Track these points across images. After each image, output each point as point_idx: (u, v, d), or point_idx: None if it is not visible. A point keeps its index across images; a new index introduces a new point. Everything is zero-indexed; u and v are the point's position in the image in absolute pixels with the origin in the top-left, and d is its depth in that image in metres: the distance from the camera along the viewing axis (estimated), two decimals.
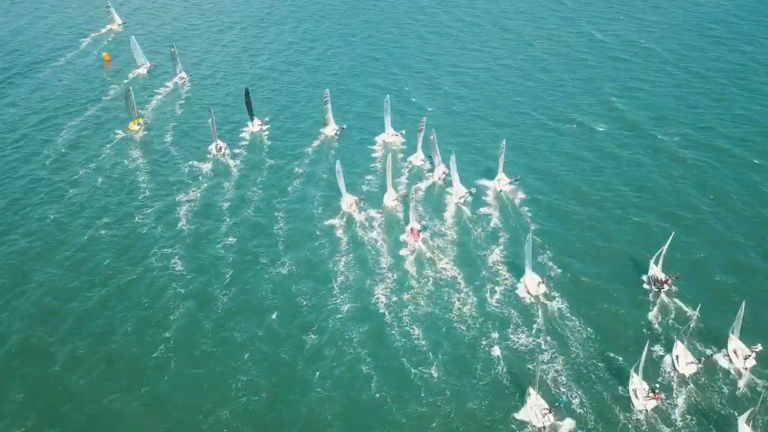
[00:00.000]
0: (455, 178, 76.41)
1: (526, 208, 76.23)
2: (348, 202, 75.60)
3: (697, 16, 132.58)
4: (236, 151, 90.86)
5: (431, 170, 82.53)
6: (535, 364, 51.72)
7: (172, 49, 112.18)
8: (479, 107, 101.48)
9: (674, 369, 55.05)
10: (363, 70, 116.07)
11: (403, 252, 69.34)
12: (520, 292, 62.35)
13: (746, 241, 69.51)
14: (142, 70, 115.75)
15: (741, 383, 53.93)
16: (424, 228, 70.95)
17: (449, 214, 75.92)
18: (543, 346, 57.16)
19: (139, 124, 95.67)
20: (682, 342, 55.76)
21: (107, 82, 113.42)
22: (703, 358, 55.27)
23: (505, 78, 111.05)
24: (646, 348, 52.10)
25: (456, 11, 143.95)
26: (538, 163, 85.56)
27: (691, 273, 64.42)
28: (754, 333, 56.66)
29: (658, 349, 57.17)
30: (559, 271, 65.30)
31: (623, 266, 66.37)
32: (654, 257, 62.53)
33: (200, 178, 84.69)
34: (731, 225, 72.17)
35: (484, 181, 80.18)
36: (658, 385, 51.59)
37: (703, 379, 54.46)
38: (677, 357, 55.40)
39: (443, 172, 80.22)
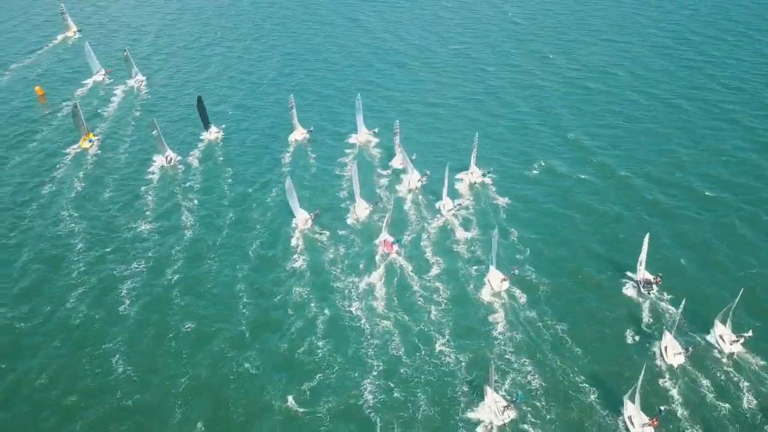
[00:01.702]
0: (445, 190, 73.54)
1: (501, 203, 75.71)
2: (302, 219, 72.09)
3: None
4: (190, 161, 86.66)
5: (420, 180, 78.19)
6: (491, 362, 50.65)
7: (125, 53, 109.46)
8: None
9: (662, 360, 54.50)
10: (325, 73, 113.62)
11: (377, 259, 67.41)
12: (484, 289, 62.34)
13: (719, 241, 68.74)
14: (99, 77, 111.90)
15: (728, 369, 53.55)
16: (398, 240, 68.45)
17: (432, 225, 72.88)
18: (502, 345, 56.89)
19: (90, 141, 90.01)
20: (670, 332, 54.93)
21: (62, 94, 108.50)
22: (690, 348, 54.39)
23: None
24: (641, 375, 48.82)
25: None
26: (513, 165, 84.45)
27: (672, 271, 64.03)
28: (744, 322, 56.68)
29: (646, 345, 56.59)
30: (531, 272, 64.81)
31: (601, 265, 65.70)
32: (639, 260, 61.93)
33: (151, 193, 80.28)
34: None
35: (459, 175, 79.74)
36: (663, 408, 49.39)
37: (690, 367, 53.89)
38: (665, 348, 54.72)
39: (419, 180, 77.56)
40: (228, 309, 61.92)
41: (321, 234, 71.35)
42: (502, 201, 76.06)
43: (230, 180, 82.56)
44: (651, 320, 59.02)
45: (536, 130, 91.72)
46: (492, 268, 62.38)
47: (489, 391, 49.74)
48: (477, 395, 51.98)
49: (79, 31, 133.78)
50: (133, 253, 69.74)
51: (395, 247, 67.57)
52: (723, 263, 64.98)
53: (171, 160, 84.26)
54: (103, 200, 79.19)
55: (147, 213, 76.46)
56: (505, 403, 49.16)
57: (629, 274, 63.13)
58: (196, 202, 78.35)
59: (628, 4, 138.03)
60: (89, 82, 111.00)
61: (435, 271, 65.72)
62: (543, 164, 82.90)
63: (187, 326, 59.91)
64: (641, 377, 48.75)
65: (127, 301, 62.96)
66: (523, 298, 61.60)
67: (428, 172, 76.85)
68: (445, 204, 73.37)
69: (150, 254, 69.52)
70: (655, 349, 55.64)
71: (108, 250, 70.44)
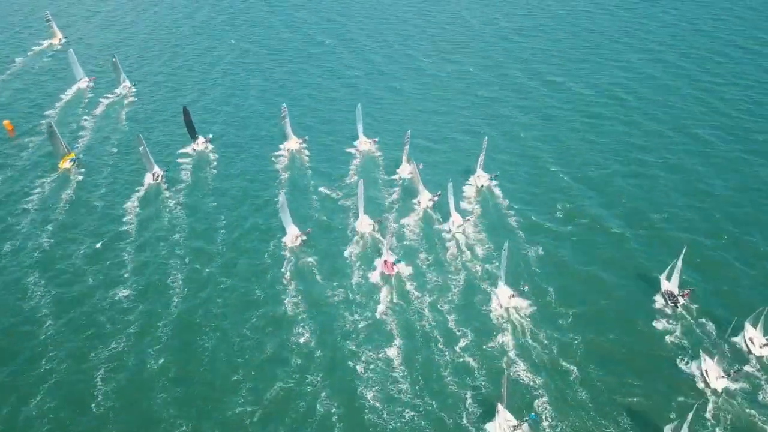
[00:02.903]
0: (452, 205, 69.23)
1: (512, 212, 71.52)
2: (292, 236, 67.27)
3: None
4: (177, 176, 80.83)
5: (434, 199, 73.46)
6: (504, 379, 46.86)
7: (114, 59, 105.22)
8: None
9: (705, 384, 49.85)
10: (321, 80, 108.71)
11: (374, 279, 62.51)
12: (493, 304, 58.77)
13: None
14: (83, 84, 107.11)
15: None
16: (400, 260, 63.78)
17: (443, 245, 67.75)
18: (515, 360, 53.46)
19: (72, 161, 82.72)
20: (710, 357, 50.85)
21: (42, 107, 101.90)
22: (732, 371, 49.83)
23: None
24: (692, 412, 43.32)
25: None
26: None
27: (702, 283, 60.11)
28: None
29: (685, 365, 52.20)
30: (547, 288, 60.74)
31: (625, 280, 61.32)
32: (665, 272, 58.68)
33: (136, 214, 73.73)
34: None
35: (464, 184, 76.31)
36: None
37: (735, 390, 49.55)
38: (706, 371, 50.28)
39: (430, 199, 73.12)
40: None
41: (313, 258, 65.64)
42: (511, 213, 71.72)
43: (218, 199, 76.59)
44: (684, 339, 54.47)
45: (555, 137, 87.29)
46: (501, 283, 58.85)
47: (501, 408, 46.92)
48: (488, 413, 48.54)
49: (65, 38, 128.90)
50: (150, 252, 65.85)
51: (396, 268, 62.85)
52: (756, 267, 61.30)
53: (158, 177, 78.74)
54: (82, 232, 71.28)
55: (129, 252, 68.22)
56: (516, 422, 46.32)
57: (664, 280, 58.60)
58: (185, 227, 71.86)
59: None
60: (72, 90, 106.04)
61: (442, 289, 61.32)
62: (551, 169, 78.69)
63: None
64: (691, 414, 43.11)
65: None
66: (535, 312, 57.52)
67: (440, 192, 72.49)
68: (454, 221, 68.99)
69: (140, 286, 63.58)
70: (695, 372, 51.30)
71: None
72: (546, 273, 62.31)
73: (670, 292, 57.51)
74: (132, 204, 75.46)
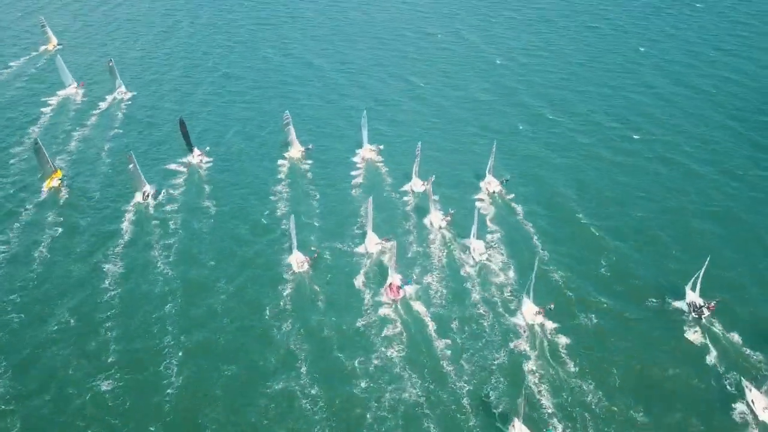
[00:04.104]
0: (473, 234, 63.63)
1: (530, 225, 67.51)
2: (298, 260, 62.01)
3: None
4: (169, 194, 74.56)
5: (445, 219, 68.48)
6: (521, 395, 44.65)
7: (110, 63, 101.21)
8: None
9: (753, 416, 45.85)
10: (323, 90, 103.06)
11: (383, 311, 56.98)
12: (517, 320, 55.68)
13: None
14: (71, 90, 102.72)
15: None
16: (407, 282, 58.58)
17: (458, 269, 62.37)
18: (532, 376, 50.40)
19: (60, 179, 76.89)
20: (758, 388, 46.85)
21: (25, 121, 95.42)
22: None
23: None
24: None
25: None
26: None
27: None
28: None
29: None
30: (572, 302, 57.46)
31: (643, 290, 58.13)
32: (690, 282, 55.86)
33: (126, 236, 67.62)
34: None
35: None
36: None
37: None
38: (752, 401, 46.62)
39: (442, 219, 68.27)
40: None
41: (318, 285, 60.11)
42: (528, 224, 67.77)
43: (214, 219, 70.38)
44: (721, 363, 50.45)
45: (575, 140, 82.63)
46: (526, 299, 55.90)
47: (517, 423, 45.10)
48: (504, 428, 46.37)
49: (60, 44, 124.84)
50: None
51: (403, 292, 57.87)
52: None
53: (148, 195, 73.48)
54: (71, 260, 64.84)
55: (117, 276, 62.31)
56: None
57: (689, 290, 55.81)
58: (174, 252, 65.46)
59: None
60: (60, 95, 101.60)
61: (455, 310, 56.97)
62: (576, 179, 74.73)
63: None
64: None
65: None
66: (560, 330, 54.07)
67: (452, 211, 68.49)
68: (475, 248, 63.64)
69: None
70: (740, 405, 46.71)
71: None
72: (573, 288, 58.65)
73: (695, 302, 55.04)
74: (120, 226, 69.24)
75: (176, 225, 69.15)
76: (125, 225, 69.13)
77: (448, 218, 67.48)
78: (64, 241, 67.12)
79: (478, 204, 68.14)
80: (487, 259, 62.38)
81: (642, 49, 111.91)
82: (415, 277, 59.75)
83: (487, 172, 73.54)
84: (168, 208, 72.19)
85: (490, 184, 73.05)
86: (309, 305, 57.45)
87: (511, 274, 60.60)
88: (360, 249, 64.14)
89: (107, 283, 60.54)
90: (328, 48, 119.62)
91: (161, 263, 63.11)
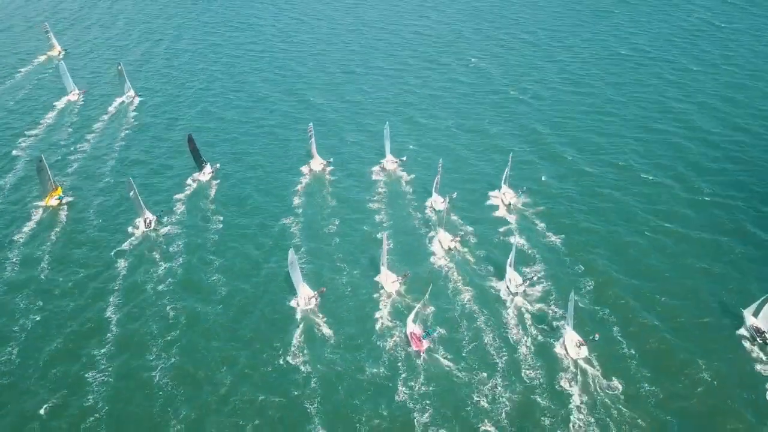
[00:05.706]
0: (510, 265, 57.63)
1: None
2: (305, 297, 56.58)
3: None
4: (177, 216, 69.04)
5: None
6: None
7: (119, 66, 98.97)
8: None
9: None
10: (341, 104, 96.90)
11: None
12: (558, 350, 51.71)
13: None
14: (73, 97, 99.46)
15: None
16: (429, 332, 51.72)
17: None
18: (580, 411, 46.63)
19: (59, 197, 72.40)
20: None
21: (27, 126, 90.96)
22: None
23: None
24: None
25: None
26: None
27: None
28: None
29: None
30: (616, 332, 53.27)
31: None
32: (752, 307, 52.74)
33: (123, 267, 61.50)
34: None
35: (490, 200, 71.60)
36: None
37: None
38: None
39: (451, 240, 63.45)
40: None
41: (327, 326, 54.23)
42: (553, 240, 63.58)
43: (220, 253, 63.67)
44: None
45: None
46: (569, 329, 52.09)
47: None
48: None
49: (64, 51, 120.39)
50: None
51: (426, 343, 51.31)
52: None
53: (150, 222, 67.76)
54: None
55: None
56: None
57: (750, 315, 52.68)
58: (178, 287, 59.19)
59: None
60: (61, 103, 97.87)
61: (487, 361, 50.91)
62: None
63: None
64: None
65: None
66: (604, 361, 50.09)
67: (462, 233, 64.53)
68: (512, 279, 57.49)
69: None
70: None
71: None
72: (617, 317, 54.34)
73: (758, 327, 52.11)
74: (118, 257, 63.22)
75: (179, 260, 62.28)
76: (121, 262, 62.14)
77: (458, 238, 62.81)
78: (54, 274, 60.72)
79: (512, 239, 61.46)
80: (524, 293, 55.96)
81: None
82: (430, 327, 52.72)
83: (502, 182, 71.20)
84: (172, 234, 66.18)
85: (506, 195, 70.80)
86: (319, 345, 51.51)
87: (554, 308, 54.82)
88: (377, 287, 58.09)
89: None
90: (354, 60, 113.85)
91: (163, 298, 57.19)
